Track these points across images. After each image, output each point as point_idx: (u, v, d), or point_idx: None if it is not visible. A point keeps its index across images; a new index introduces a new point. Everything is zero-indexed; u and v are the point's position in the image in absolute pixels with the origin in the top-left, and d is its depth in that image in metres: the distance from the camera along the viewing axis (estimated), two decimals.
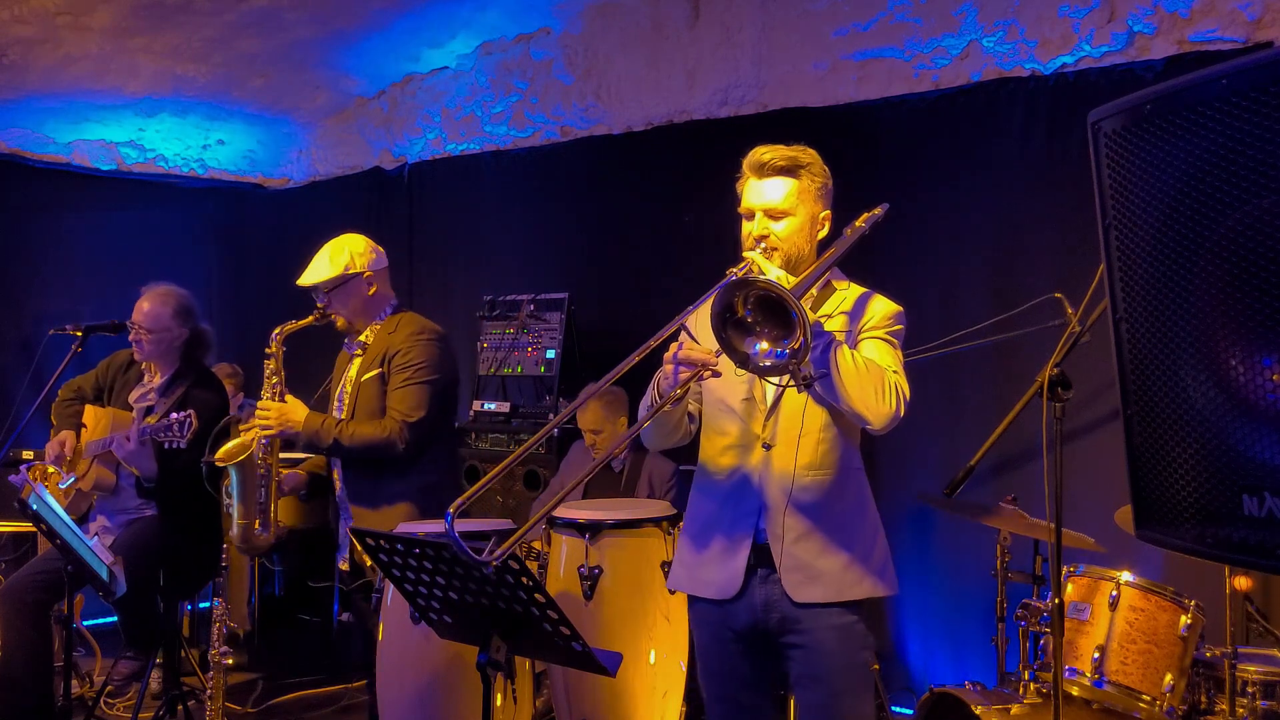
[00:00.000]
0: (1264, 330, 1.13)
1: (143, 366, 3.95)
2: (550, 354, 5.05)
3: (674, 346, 2.15)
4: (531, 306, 5.14)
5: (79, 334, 3.73)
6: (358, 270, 3.29)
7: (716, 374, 2.15)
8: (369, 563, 3.18)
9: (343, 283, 3.28)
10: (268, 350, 3.25)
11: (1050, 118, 4.13)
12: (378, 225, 6.42)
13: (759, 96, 4.90)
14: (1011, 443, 3.74)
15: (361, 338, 3.35)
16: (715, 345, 2.02)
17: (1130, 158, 1.28)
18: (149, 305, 3.85)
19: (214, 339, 4.04)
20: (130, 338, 3.88)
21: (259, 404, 3.23)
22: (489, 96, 5.86)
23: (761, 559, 2.26)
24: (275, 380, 3.23)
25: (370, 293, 3.32)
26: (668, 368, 2.17)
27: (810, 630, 2.23)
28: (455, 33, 5.64)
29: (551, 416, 4.91)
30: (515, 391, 5.22)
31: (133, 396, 3.92)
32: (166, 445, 3.54)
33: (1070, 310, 3.35)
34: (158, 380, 3.92)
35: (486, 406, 5.11)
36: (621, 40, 5.31)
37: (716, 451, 2.35)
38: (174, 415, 3.50)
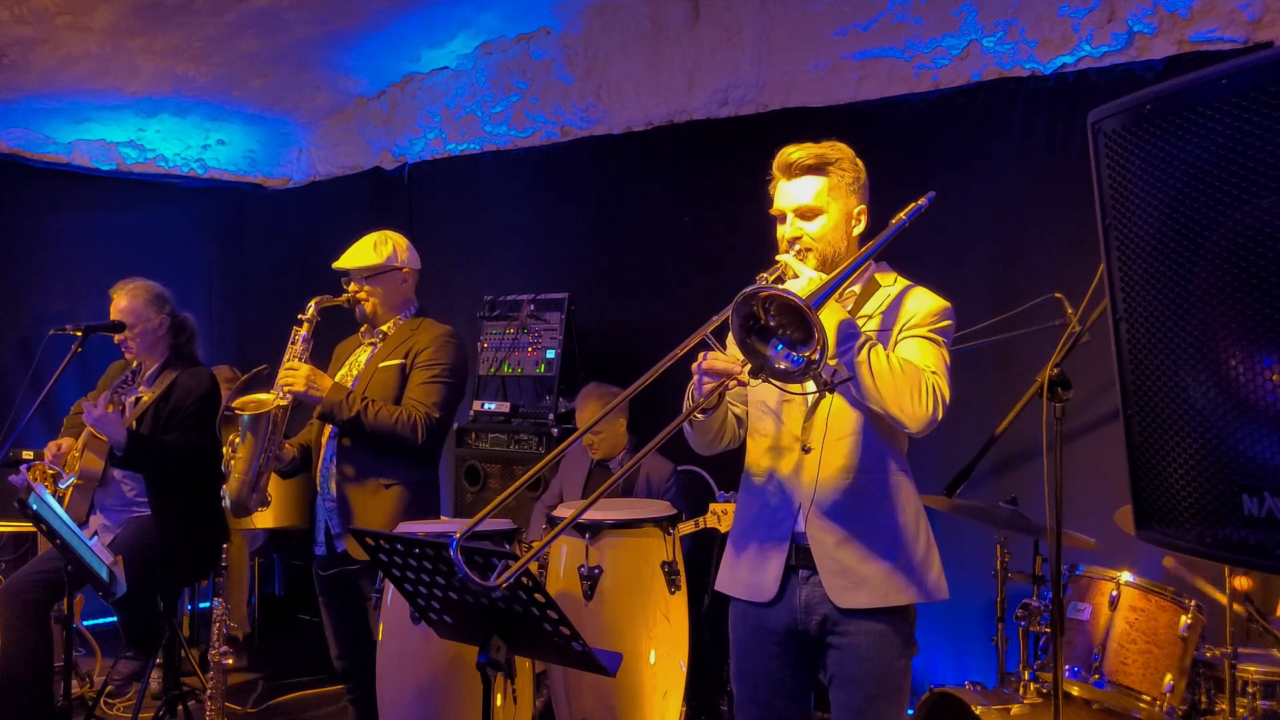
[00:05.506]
0: (1264, 330, 1.13)
1: (134, 365, 3.97)
2: (550, 354, 5.05)
3: (700, 356, 2.12)
4: (531, 306, 5.14)
5: (79, 334, 3.73)
6: (399, 264, 3.38)
7: (742, 383, 2.10)
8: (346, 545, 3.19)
9: (383, 272, 3.35)
10: (301, 316, 3.28)
11: (1050, 118, 4.13)
12: (378, 225, 6.37)
13: (759, 96, 4.90)
14: (1011, 443, 3.74)
15: (383, 329, 3.39)
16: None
17: (1130, 158, 1.28)
18: (124, 301, 3.89)
19: (196, 326, 4.05)
20: (116, 340, 3.90)
21: (285, 363, 3.21)
22: (489, 96, 5.86)
23: (803, 559, 2.23)
24: (304, 348, 3.26)
25: (404, 288, 3.41)
26: (695, 379, 2.15)
27: (850, 633, 2.20)
28: (455, 33, 5.64)
29: (551, 417, 4.91)
30: (515, 391, 5.22)
31: (126, 396, 3.94)
32: (123, 398, 3.67)
33: (1070, 310, 3.35)
34: (147, 374, 3.94)
35: (486, 406, 5.11)
36: (621, 40, 5.31)
37: (758, 453, 2.33)
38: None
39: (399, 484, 3.21)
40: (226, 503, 3.28)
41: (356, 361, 3.40)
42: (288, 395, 3.17)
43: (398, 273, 3.38)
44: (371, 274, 3.34)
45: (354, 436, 3.22)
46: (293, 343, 3.25)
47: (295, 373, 3.17)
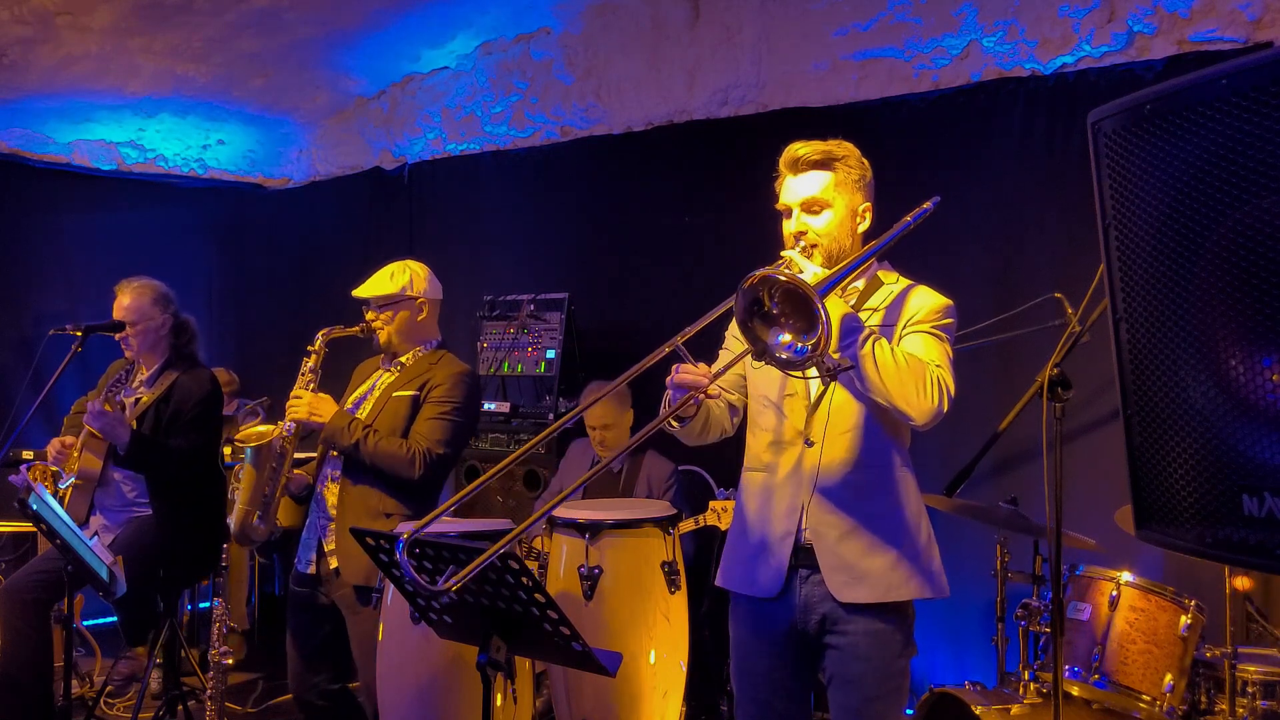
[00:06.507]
0: (1264, 330, 1.13)
1: (132, 362, 3.97)
2: (550, 354, 5.05)
3: (673, 369, 2.13)
4: (531, 306, 5.14)
5: (79, 334, 3.73)
6: (415, 294, 3.34)
7: (711, 396, 2.15)
8: (334, 565, 3.19)
9: (398, 301, 3.32)
10: (309, 348, 3.30)
11: (1050, 118, 4.13)
12: (378, 225, 6.43)
13: (759, 96, 4.90)
14: (1011, 443, 3.74)
15: (401, 359, 3.37)
16: (715, 364, 1.99)
17: (1130, 158, 1.28)
18: (128, 299, 3.87)
19: (197, 328, 4.05)
20: (118, 338, 3.89)
21: (292, 393, 3.25)
22: (489, 96, 5.86)
23: (803, 559, 2.23)
24: (310, 378, 3.28)
25: (421, 318, 3.37)
26: (667, 392, 2.17)
27: (849, 633, 2.20)
28: (455, 33, 5.64)
29: (551, 417, 4.91)
30: (515, 391, 5.22)
31: (121, 395, 3.94)
32: (118, 397, 3.67)
33: (1070, 310, 3.35)
34: (146, 374, 3.94)
35: (487, 406, 5.11)
36: (621, 40, 5.31)
37: (760, 447, 2.33)
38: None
39: (397, 516, 3.19)
40: (231, 530, 3.30)
41: (377, 384, 3.39)
42: (292, 428, 3.22)
43: (412, 302, 3.34)
44: (387, 303, 3.32)
45: (352, 465, 3.23)
46: (301, 374, 3.28)
47: (298, 402, 3.21)
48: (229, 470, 4.79)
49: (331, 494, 3.26)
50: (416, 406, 3.25)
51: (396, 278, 3.34)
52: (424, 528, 1.93)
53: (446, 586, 1.86)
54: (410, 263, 3.42)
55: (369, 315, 3.35)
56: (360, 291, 3.36)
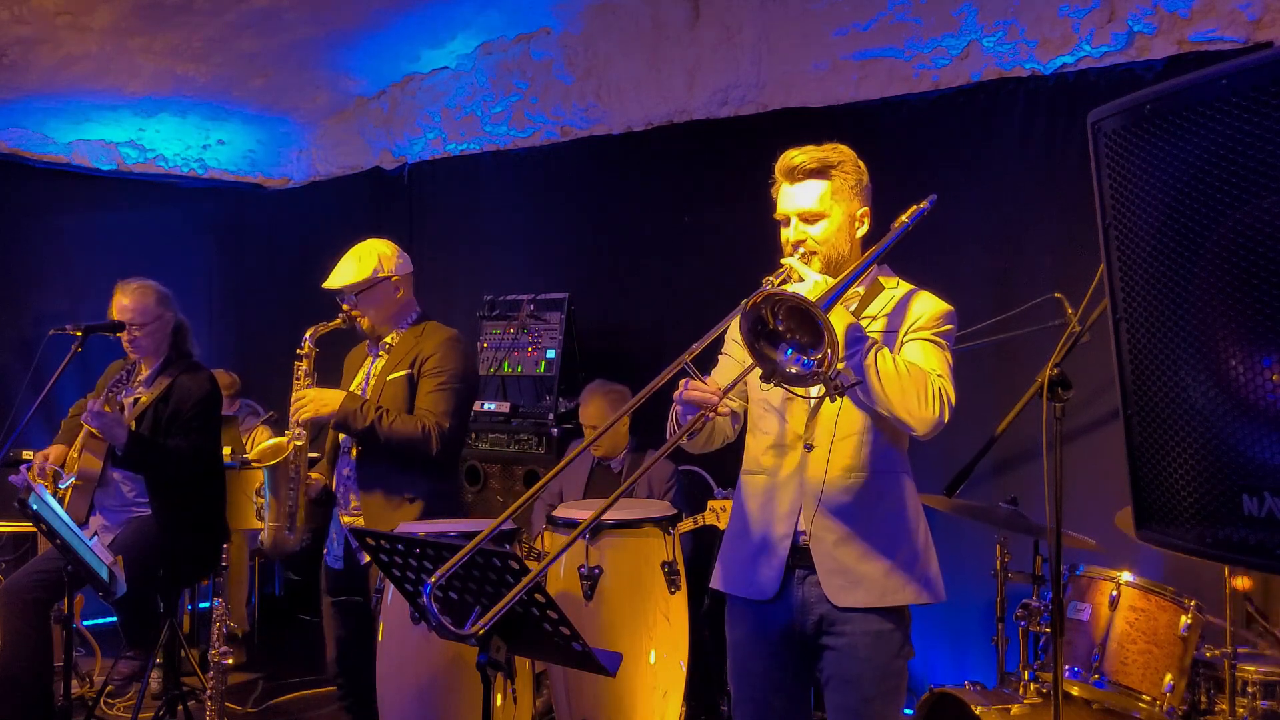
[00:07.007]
0: (1264, 330, 1.13)
1: (132, 362, 3.96)
2: (550, 354, 5.05)
3: (681, 384, 2.13)
4: (531, 306, 5.14)
5: (79, 334, 3.72)
6: (386, 274, 3.31)
7: (720, 415, 2.17)
8: (367, 559, 3.19)
9: (371, 286, 3.30)
10: (299, 351, 3.29)
11: (1050, 118, 4.13)
12: (378, 225, 6.40)
13: (759, 96, 4.90)
14: (1011, 443, 3.73)
15: (386, 340, 3.36)
16: (715, 371, 1.98)
17: (1130, 158, 1.28)
18: (132, 300, 3.86)
19: (190, 328, 4.05)
20: (126, 339, 3.89)
21: (293, 396, 3.24)
22: (489, 96, 5.86)
23: (800, 560, 2.23)
24: (307, 382, 3.28)
25: (398, 297, 3.35)
26: (676, 408, 2.18)
27: (847, 633, 2.21)
28: (455, 33, 5.64)
29: (551, 417, 4.91)
30: (515, 391, 5.22)
31: (122, 395, 3.94)
32: (118, 397, 3.70)
33: (1070, 310, 3.35)
34: (145, 374, 3.94)
35: (486, 406, 5.11)
36: (621, 40, 5.31)
37: (759, 451, 2.34)
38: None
39: (421, 496, 3.20)
40: (265, 546, 3.31)
41: (371, 372, 3.38)
42: (301, 435, 3.21)
43: (386, 283, 3.31)
44: (359, 290, 3.30)
45: (369, 446, 3.21)
46: (296, 379, 3.27)
47: (301, 401, 3.19)
48: (229, 470, 4.80)
49: (353, 488, 3.26)
50: (413, 384, 3.24)
51: (365, 262, 3.30)
52: (456, 562, 1.89)
53: (474, 630, 1.87)
54: (373, 242, 3.38)
55: (345, 307, 3.33)
56: (331, 283, 3.33)
